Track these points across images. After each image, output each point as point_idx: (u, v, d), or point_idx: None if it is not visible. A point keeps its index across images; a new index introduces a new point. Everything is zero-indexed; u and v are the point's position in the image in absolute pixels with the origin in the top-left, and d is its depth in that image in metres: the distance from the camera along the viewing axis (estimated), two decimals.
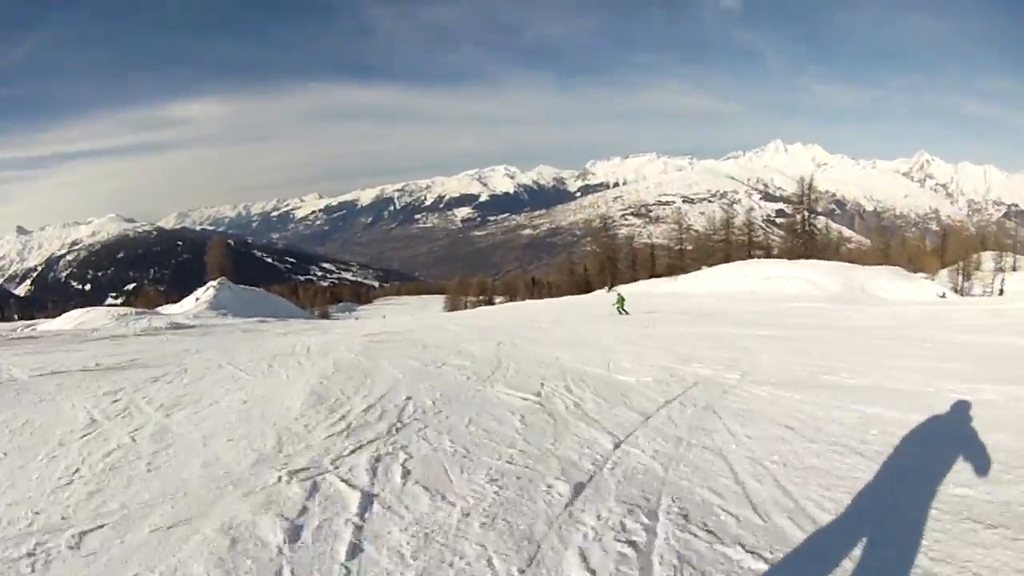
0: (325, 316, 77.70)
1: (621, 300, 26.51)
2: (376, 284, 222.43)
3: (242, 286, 55.39)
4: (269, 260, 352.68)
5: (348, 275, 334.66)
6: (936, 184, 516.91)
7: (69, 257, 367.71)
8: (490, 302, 76.98)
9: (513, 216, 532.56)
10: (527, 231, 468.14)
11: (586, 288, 60.16)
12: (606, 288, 53.13)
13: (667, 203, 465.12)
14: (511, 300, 72.89)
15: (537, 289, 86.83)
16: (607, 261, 62.95)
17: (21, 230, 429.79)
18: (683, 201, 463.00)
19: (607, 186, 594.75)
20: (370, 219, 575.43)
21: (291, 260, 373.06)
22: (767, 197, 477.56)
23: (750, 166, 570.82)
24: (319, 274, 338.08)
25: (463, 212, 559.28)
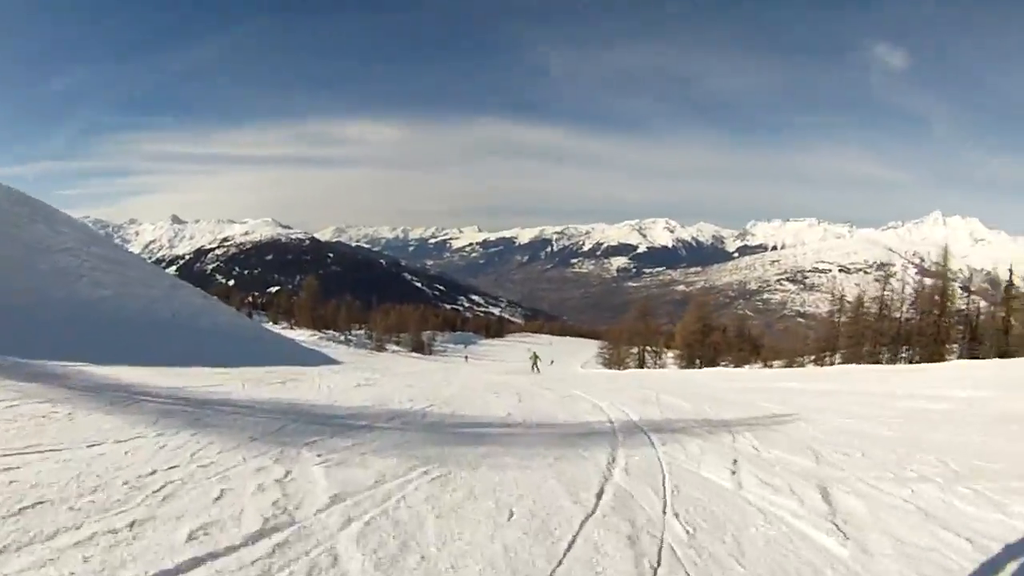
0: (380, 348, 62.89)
1: (536, 358, 33.32)
2: (521, 322, 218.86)
3: None
4: (418, 284, 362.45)
5: (495, 309, 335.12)
6: None
7: (218, 252, 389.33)
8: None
9: (669, 271, 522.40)
10: (681, 287, 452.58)
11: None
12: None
13: (824, 271, 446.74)
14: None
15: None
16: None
17: (176, 219, 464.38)
18: (839, 270, 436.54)
19: (765, 248, 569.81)
20: (526, 258, 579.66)
21: (440, 287, 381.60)
22: (923, 272, 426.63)
23: (909, 237, 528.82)
24: (466, 304, 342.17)
25: (619, 261, 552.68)
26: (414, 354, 64.30)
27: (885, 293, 46.00)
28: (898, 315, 43.90)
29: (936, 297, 41.35)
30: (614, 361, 62.67)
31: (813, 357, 47.77)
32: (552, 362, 49.19)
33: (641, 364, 56.46)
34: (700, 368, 45.25)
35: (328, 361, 23.72)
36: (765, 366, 48.39)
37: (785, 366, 48.24)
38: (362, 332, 70.33)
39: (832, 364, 43.20)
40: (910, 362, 37.76)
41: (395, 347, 68.39)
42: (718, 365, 46.64)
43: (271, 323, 66.09)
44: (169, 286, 28.92)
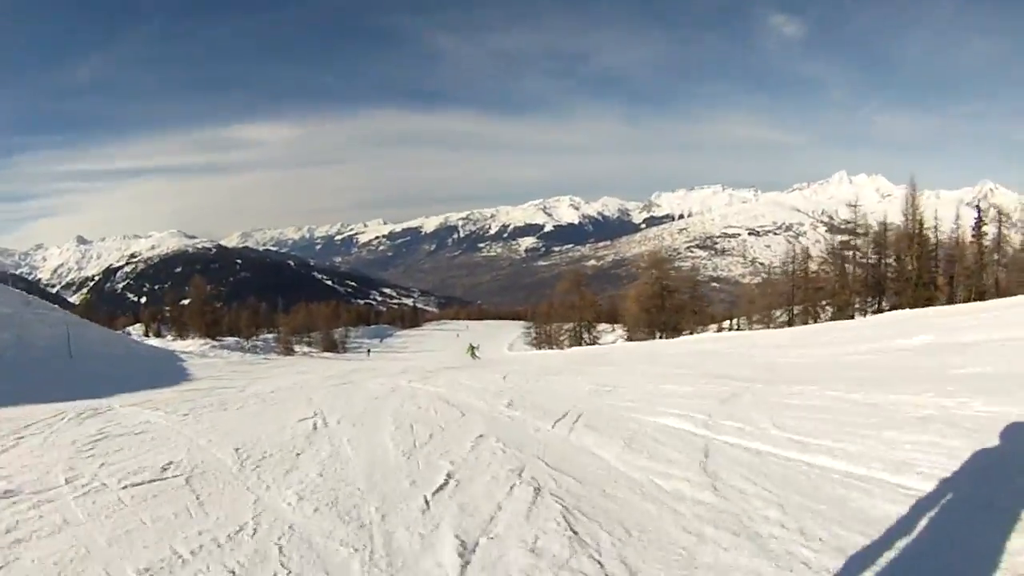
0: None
1: (472, 349, 35.17)
2: (436, 311, 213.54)
3: None
4: (329, 282, 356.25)
5: (408, 301, 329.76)
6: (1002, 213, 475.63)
7: (127, 269, 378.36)
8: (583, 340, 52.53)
9: (578, 247, 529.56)
10: (591, 262, 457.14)
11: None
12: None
13: (733, 235, 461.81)
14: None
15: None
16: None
17: (81, 240, 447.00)
18: (748, 233, 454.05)
19: (672, 218, 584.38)
20: (434, 246, 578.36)
21: (352, 284, 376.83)
22: (832, 229, 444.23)
23: (815, 198, 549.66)
24: (379, 299, 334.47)
25: (527, 242, 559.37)
26: (327, 354, 59.15)
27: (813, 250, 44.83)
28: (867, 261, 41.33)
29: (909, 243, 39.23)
30: (544, 340, 58.34)
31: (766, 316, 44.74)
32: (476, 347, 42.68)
33: (578, 341, 51.96)
34: (662, 338, 40.76)
35: (175, 379, 17.65)
36: (719, 330, 44.61)
37: (739, 328, 44.88)
38: (271, 336, 64.29)
39: (792, 322, 40.12)
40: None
41: (307, 348, 63.29)
42: (682, 333, 42.01)
43: (147, 335, 58.88)
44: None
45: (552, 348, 52.24)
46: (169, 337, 53.90)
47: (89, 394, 11.60)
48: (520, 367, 17.96)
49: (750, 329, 41.80)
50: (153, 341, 46.95)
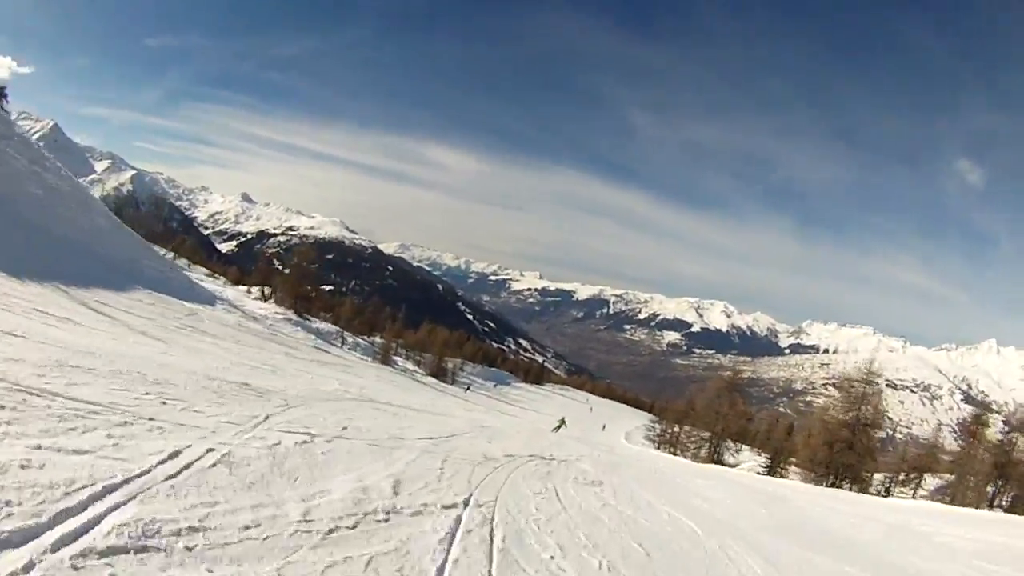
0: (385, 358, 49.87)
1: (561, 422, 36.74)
2: (564, 376, 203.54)
3: None
4: (470, 316, 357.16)
5: (540, 358, 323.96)
6: None
7: (281, 239, 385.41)
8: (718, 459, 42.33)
9: (719, 355, 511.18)
10: (727, 373, 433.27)
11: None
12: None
13: (870, 383, 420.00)
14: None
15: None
16: None
17: (246, 197, 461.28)
18: (887, 384, 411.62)
19: (817, 350, 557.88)
20: (581, 314, 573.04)
21: (491, 324, 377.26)
22: (968, 399, 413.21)
23: (960, 362, 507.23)
24: (513, 347, 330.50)
25: (672, 336, 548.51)
26: (430, 378, 53.40)
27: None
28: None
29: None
30: (668, 441, 49.04)
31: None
32: (604, 427, 48.37)
33: (715, 457, 41.19)
34: (839, 486, 29.52)
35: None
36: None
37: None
38: (380, 341, 58.19)
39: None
40: None
41: (413, 367, 57.40)
42: (842, 485, 30.43)
43: (215, 277, 53.03)
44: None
45: (676, 453, 44.02)
46: (248, 290, 47.13)
47: None
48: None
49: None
50: (210, 285, 39.85)
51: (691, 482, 16.22)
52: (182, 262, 50.75)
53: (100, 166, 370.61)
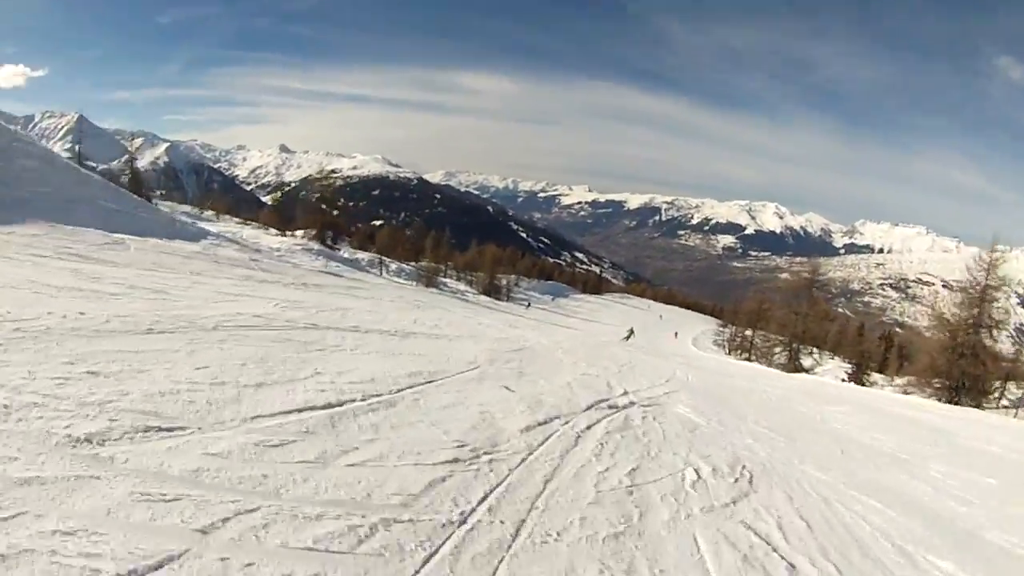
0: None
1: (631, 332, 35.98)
2: (622, 284, 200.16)
3: None
4: (524, 235, 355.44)
5: (597, 269, 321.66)
6: None
7: (324, 183, 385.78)
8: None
9: (774, 256, 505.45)
10: (784, 275, 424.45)
11: None
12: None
13: (927, 283, 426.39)
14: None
15: None
16: None
17: (284, 148, 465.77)
18: (943, 285, 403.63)
19: (872, 250, 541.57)
20: (634, 223, 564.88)
21: (546, 240, 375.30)
22: None
23: (1017, 265, 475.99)
24: (569, 260, 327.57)
25: (726, 240, 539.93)
26: (483, 297, 52.26)
27: None
28: None
29: None
30: (739, 347, 46.23)
31: None
32: (676, 335, 46.81)
33: (794, 365, 36.86)
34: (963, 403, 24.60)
35: None
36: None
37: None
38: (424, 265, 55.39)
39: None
40: None
41: (465, 287, 55.74)
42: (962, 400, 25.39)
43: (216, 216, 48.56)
44: None
45: (751, 359, 41.32)
46: (259, 227, 43.76)
47: None
48: None
49: None
50: (210, 225, 35.41)
51: (825, 413, 12.25)
52: (209, 213, 47.93)
53: (133, 145, 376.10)
